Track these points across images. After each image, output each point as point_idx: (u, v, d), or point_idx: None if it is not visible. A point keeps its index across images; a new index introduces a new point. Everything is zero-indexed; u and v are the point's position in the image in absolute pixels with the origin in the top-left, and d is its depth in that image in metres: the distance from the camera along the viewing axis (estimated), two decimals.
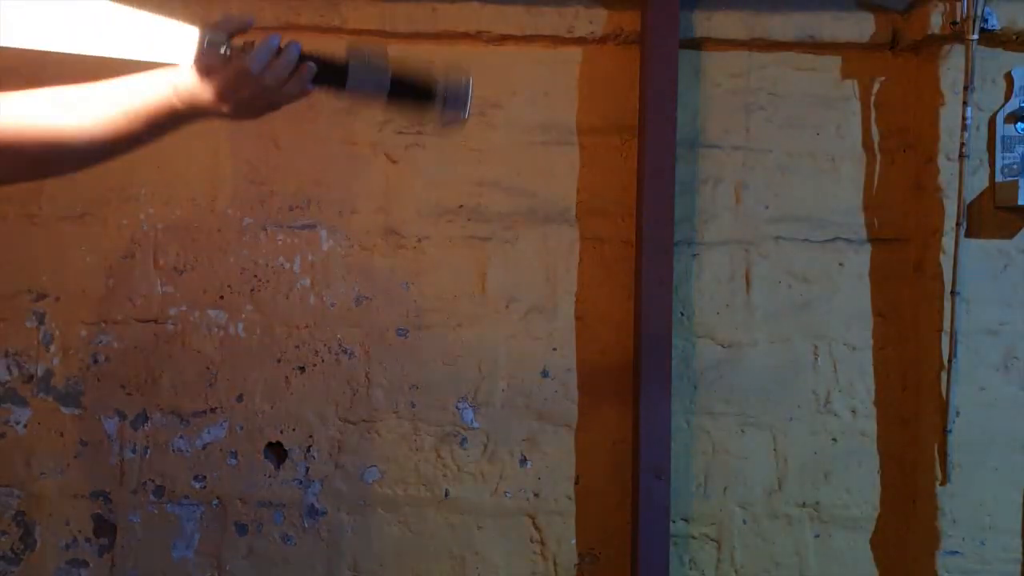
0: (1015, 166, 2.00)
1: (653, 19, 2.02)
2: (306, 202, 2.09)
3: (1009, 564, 2.02)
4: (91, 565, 2.08)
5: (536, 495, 2.10)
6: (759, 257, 2.10)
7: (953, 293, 1.98)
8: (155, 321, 2.08)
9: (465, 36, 2.07)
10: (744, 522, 2.10)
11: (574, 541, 2.10)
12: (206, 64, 1.18)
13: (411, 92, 1.25)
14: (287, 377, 2.08)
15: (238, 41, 1.21)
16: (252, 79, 1.18)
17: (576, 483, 2.10)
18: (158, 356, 2.08)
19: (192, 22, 1.20)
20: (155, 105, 1.22)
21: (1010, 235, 2.03)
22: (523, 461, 2.10)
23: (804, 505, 2.10)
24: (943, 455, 2.00)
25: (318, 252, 2.09)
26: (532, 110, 2.10)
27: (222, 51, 1.19)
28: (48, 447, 2.07)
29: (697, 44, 2.08)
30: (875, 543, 2.10)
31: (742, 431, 2.10)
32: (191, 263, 2.08)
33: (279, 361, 2.08)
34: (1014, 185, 1.97)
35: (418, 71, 1.25)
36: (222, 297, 2.08)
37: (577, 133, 2.10)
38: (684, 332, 2.09)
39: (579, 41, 2.08)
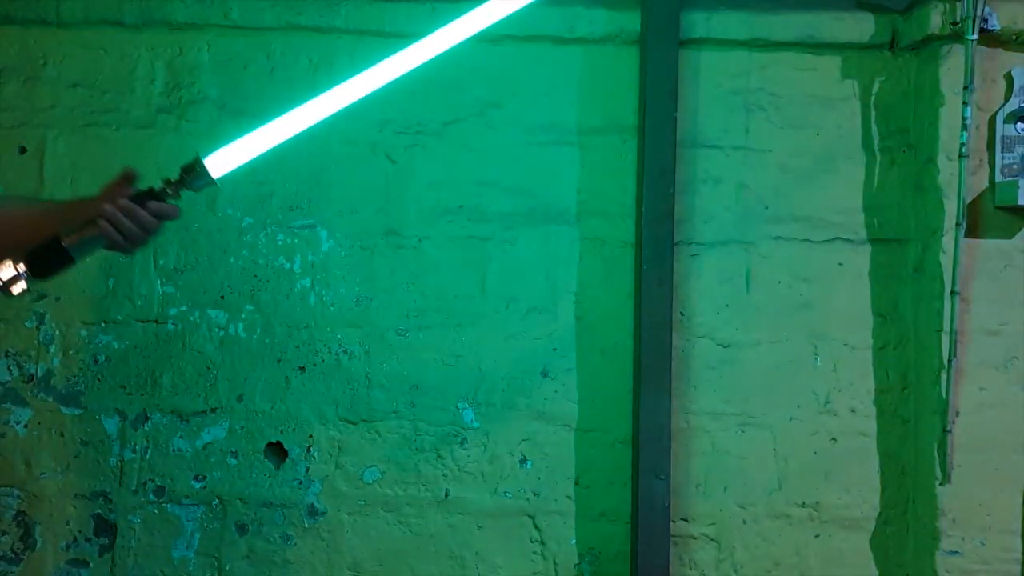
0: (1015, 166, 2.00)
1: (653, 19, 2.02)
2: (306, 202, 2.09)
3: (1009, 564, 2.02)
4: (91, 565, 2.08)
5: (536, 495, 2.10)
6: (759, 257, 2.10)
7: (953, 293, 1.98)
8: (155, 321, 2.08)
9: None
10: (744, 522, 2.10)
11: (574, 541, 2.10)
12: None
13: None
14: (287, 377, 2.08)
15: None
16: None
17: (576, 483, 2.10)
18: (158, 356, 2.08)
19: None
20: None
21: (1010, 235, 2.03)
22: (523, 461, 2.10)
23: (804, 505, 2.10)
24: (943, 455, 2.00)
25: (318, 252, 2.09)
26: (532, 110, 2.10)
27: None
28: (48, 447, 2.07)
29: (697, 44, 2.08)
30: (875, 543, 2.10)
31: (742, 431, 2.10)
32: (191, 263, 2.08)
33: (279, 361, 2.08)
34: (1014, 185, 1.97)
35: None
36: (222, 297, 2.08)
37: (577, 133, 2.10)
38: (684, 332, 2.09)
39: (579, 41, 2.08)
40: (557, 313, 2.09)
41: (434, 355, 2.09)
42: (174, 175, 1.41)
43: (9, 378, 2.07)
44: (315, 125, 1.45)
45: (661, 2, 2.01)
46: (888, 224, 2.10)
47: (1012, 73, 2.02)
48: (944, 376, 2.00)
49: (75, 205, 1.45)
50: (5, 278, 1.34)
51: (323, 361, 2.08)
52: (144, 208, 1.37)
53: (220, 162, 1.42)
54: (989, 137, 2.02)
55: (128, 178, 1.41)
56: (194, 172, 1.40)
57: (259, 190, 2.08)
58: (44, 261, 1.35)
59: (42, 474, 2.07)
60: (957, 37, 1.98)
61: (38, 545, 2.08)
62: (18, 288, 1.35)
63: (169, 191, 1.40)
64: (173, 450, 2.08)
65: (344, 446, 2.08)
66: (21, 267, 1.34)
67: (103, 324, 2.07)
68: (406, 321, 2.09)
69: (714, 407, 2.10)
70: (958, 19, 1.96)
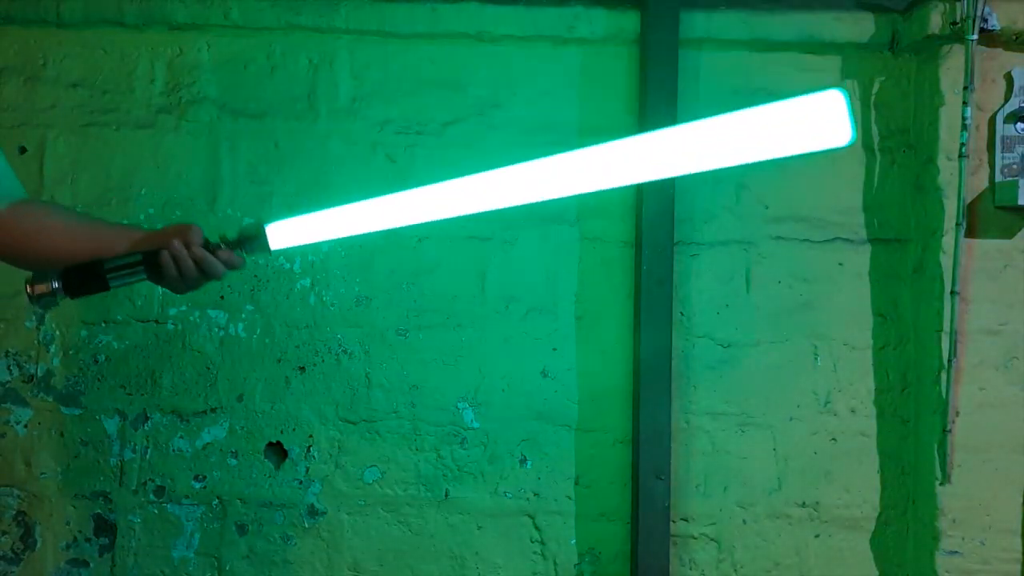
0: (1015, 166, 1.99)
1: (653, 19, 2.02)
2: (306, 202, 2.09)
3: (1009, 564, 2.02)
4: (91, 565, 2.08)
5: (536, 495, 2.10)
6: (759, 257, 2.10)
7: (953, 293, 1.98)
8: (155, 321, 2.08)
9: (465, 36, 2.07)
10: (744, 522, 2.10)
11: (574, 541, 2.10)
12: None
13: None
14: (287, 377, 2.08)
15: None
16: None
17: (576, 483, 2.10)
18: (158, 356, 2.08)
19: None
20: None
21: (1010, 235, 2.03)
22: (523, 461, 2.10)
23: (804, 505, 2.10)
24: (943, 455, 2.00)
25: (318, 252, 2.09)
26: (532, 110, 2.10)
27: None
28: (48, 447, 2.07)
29: (697, 44, 2.08)
30: (875, 543, 2.10)
31: (742, 431, 2.10)
32: None
33: (279, 361, 2.08)
34: (1014, 185, 1.97)
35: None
36: (222, 297, 2.08)
37: (577, 133, 2.10)
38: (684, 332, 2.09)
39: (579, 41, 2.08)
40: (557, 313, 2.09)
41: (434, 355, 2.09)
42: (231, 234, 1.38)
43: (9, 378, 2.07)
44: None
45: (661, 2, 2.01)
46: (888, 224, 2.10)
47: (1012, 73, 2.02)
48: (944, 376, 2.00)
49: (144, 240, 1.39)
50: (40, 290, 1.34)
51: (323, 361, 2.08)
52: (215, 256, 1.35)
53: (280, 233, 1.37)
54: (989, 137, 2.02)
55: (196, 229, 1.38)
56: (255, 239, 1.37)
57: (259, 190, 2.08)
58: (80, 281, 1.34)
59: (42, 474, 2.07)
60: (957, 37, 1.98)
61: (38, 545, 2.08)
62: (48, 303, 1.35)
63: (223, 246, 1.37)
64: (173, 450, 2.08)
65: (344, 446, 2.08)
66: (56, 283, 1.33)
67: (103, 324, 2.07)
68: (406, 321, 2.09)
69: (714, 407, 2.10)
70: (958, 19, 1.96)
